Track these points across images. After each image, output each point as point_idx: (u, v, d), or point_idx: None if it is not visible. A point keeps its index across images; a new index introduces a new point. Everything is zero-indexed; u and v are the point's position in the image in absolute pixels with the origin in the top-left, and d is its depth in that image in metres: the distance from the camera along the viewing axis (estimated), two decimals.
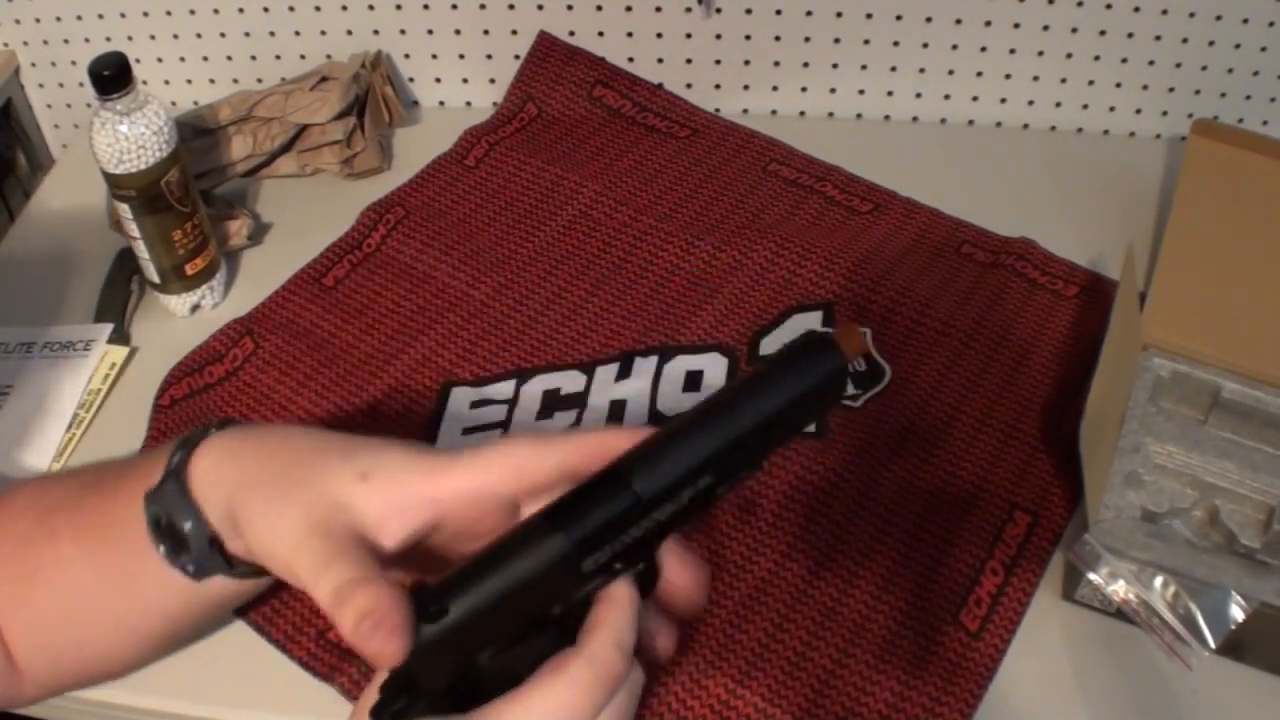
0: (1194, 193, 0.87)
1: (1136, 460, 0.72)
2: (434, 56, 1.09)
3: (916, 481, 0.76)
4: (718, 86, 1.08)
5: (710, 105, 1.09)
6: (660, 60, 1.07)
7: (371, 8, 1.06)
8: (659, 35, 1.05)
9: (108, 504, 0.51)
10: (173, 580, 0.48)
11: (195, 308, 0.92)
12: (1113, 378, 0.75)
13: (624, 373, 0.84)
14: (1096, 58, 1.01)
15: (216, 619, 0.52)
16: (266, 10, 1.06)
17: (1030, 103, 1.05)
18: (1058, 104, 1.05)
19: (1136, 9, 0.97)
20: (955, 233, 0.95)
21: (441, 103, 1.13)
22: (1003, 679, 0.67)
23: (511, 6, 1.05)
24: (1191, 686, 0.67)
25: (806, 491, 0.75)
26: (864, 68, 1.05)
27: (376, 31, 1.08)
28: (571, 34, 1.07)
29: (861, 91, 1.07)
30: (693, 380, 0.83)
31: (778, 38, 1.04)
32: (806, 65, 1.05)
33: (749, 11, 1.02)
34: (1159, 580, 0.66)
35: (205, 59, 1.11)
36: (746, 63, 1.06)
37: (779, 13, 1.02)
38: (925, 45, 1.02)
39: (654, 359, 0.84)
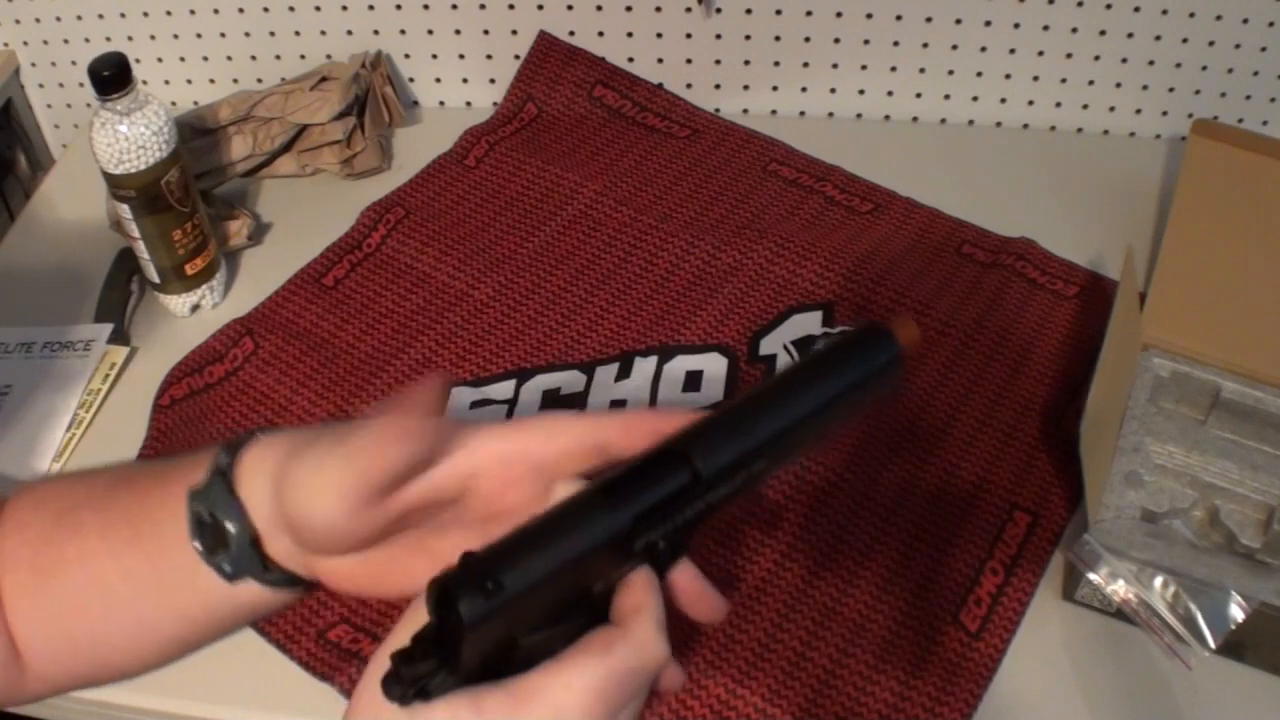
0: (1194, 193, 0.87)
1: (1136, 460, 0.72)
2: (434, 56, 1.09)
3: (916, 481, 0.76)
4: (718, 86, 1.08)
5: (710, 105, 1.09)
6: (660, 60, 1.07)
7: (371, 8, 1.06)
8: (659, 35, 1.05)
9: (140, 502, 0.51)
10: (201, 584, 0.48)
11: (195, 308, 0.92)
12: (1113, 378, 0.75)
13: (624, 373, 0.84)
14: (1096, 58, 1.01)
15: (235, 629, 0.52)
16: (266, 10, 1.06)
17: (1030, 103, 1.05)
18: (1058, 104, 1.05)
19: (1136, 9, 0.97)
20: (955, 233, 0.95)
21: (441, 103, 1.13)
22: (1003, 679, 0.67)
23: (511, 6, 1.05)
24: (1191, 686, 0.67)
25: (806, 491, 0.75)
26: (864, 68, 1.05)
27: (376, 31, 1.08)
28: (571, 34, 1.07)
29: (861, 91, 1.07)
30: (693, 380, 0.83)
31: (778, 38, 1.04)
32: (806, 65, 1.05)
33: (749, 11, 1.02)
34: (1159, 580, 0.66)
35: (205, 59, 1.11)
36: (746, 63, 1.06)
37: (779, 13, 1.02)
38: (925, 45, 1.02)
39: (654, 359, 0.84)
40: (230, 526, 0.47)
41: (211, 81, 1.12)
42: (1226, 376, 0.76)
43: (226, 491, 0.47)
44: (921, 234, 0.95)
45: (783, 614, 0.70)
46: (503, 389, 0.83)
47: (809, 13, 1.01)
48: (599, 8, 1.04)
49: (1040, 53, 1.02)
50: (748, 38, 1.04)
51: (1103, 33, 0.99)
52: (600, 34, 1.07)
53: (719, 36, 1.04)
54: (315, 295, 0.92)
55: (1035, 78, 1.03)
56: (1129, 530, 0.67)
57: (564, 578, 0.39)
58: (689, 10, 1.02)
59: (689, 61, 1.07)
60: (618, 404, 0.81)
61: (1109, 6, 0.98)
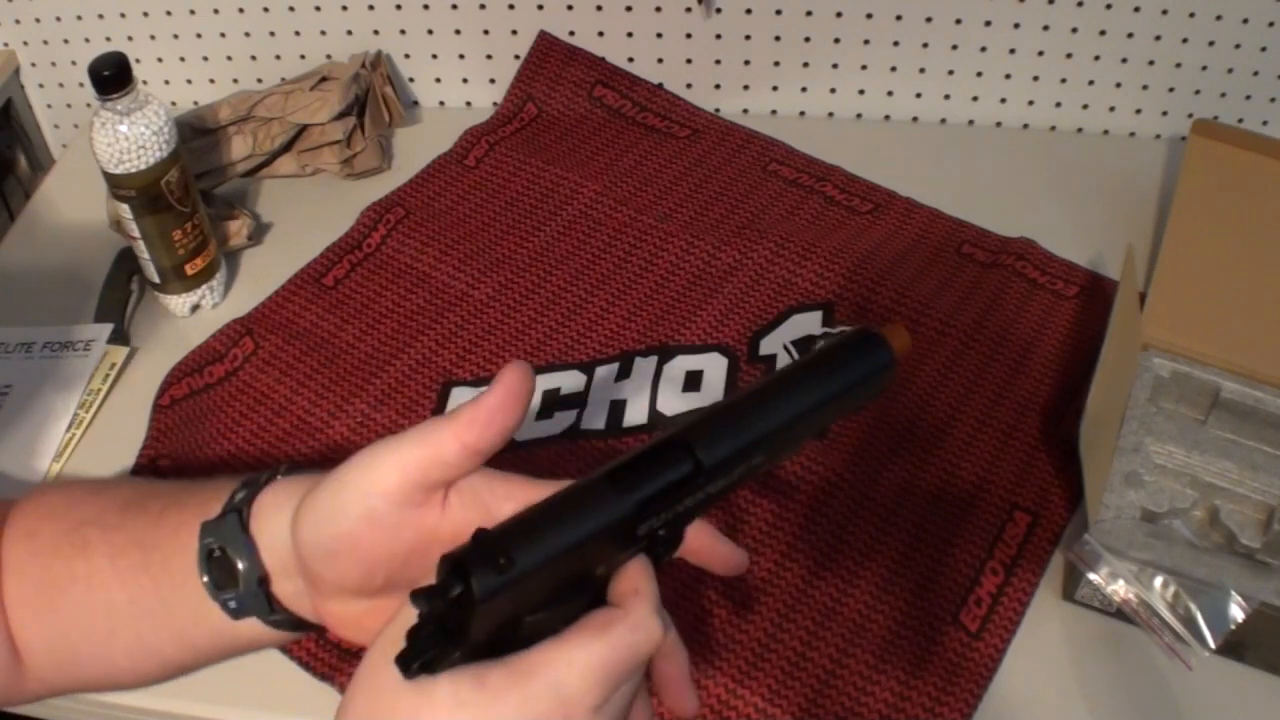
0: (1194, 193, 0.87)
1: (1136, 460, 0.72)
2: (434, 56, 1.09)
3: (916, 481, 0.76)
4: (718, 86, 1.08)
5: (710, 105, 1.09)
6: (660, 60, 1.07)
7: (371, 8, 1.06)
8: (659, 35, 1.05)
9: (150, 529, 0.50)
10: (207, 615, 0.48)
11: (195, 308, 0.92)
12: (1113, 378, 0.75)
13: (624, 373, 0.84)
14: (1096, 58, 1.01)
15: (236, 657, 0.52)
16: (266, 10, 1.06)
17: (1030, 103, 1.05)
18: (1058, 104, 1.05)
19: (1136, 9, 0.97)
20: (955, 233, 0.95)
21: (441, 103, 1.13)
22: (1003, 679, 0.67)
23: (511, 6, 1.05)
24: (1191, 686, 0.67)
25: (806, 491, 0.75)
26: (864, 68, 1.05)
27: (376, 31, 1.08)
28: (571, 34, 1.07)
29: (861, 91, 1.07)
30: (693, 380, 0.83)
31: (778, 38, 1.04)
32: (806, 65, 1.05)
33: (749, 11, 1.02)
34: (1159, 580, 0.66)
35: (205, 59, 1.11)
36: (746, 63, 1.06)
37: (779, 13, 1.02)
38: (925, 45, 1.02)
39: (654, 359, 0.84)
40: (240, 564, 0.47)
41: (211, 81, 1.12)
42: (1226, 376, 0.76)
43: (240, 528, 0.47)
44: (921, 234, 0.95)
45: (783, 614, 0.70)
46: None
47: (809, 13, 1.01)
48: (599, 8, 1.04)
49: (1040, 53, 1.02)
50: (748, 38, 1.04)
51: (1103, 33, 0.99)
52: (600, 34, 1.07)
53: (719, 36, 1.04)
54: (315, 295, 0.92)
55: (1035, 78, 1.03)
56: (1129, 530, 0.67)
57: (571, 558, 0.40)
58: (689, 10, 1.02)
59: (689, 61, 1.07)
60: (618, 404, 0.81)
61: (1109, 6, 0.98)
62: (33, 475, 0.81)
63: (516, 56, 1.08)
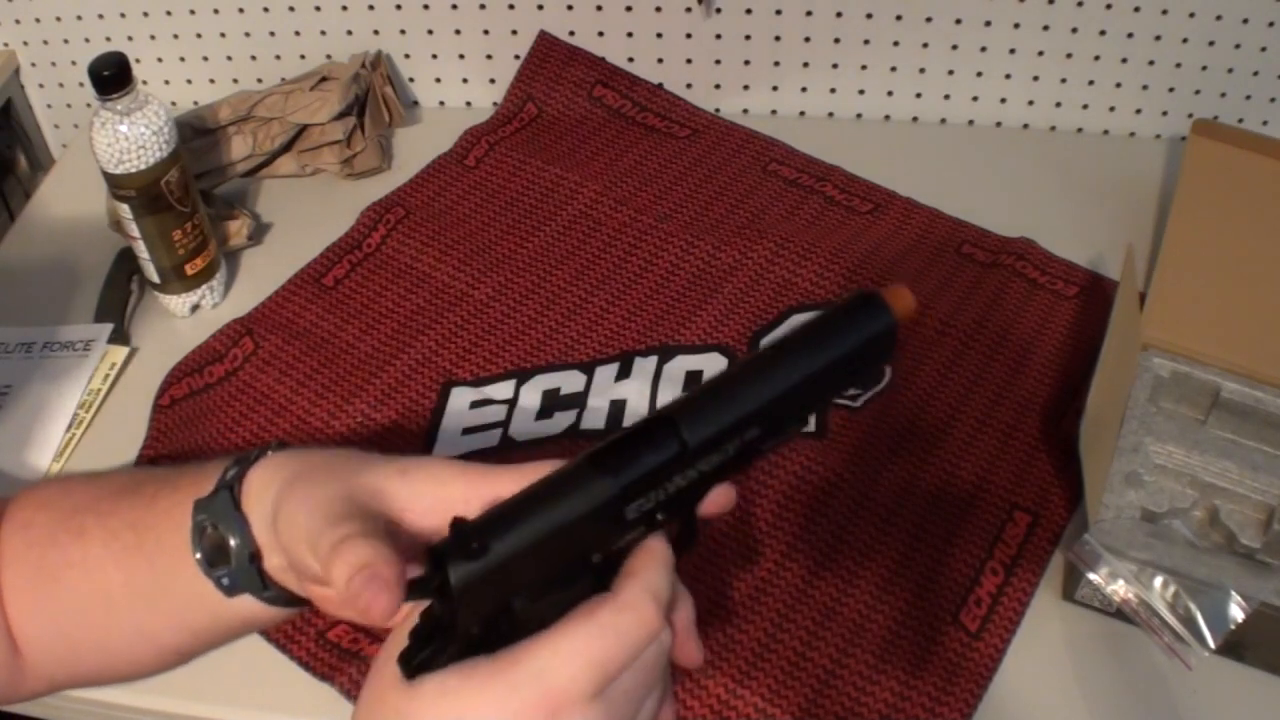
0: (1194, 193, 0.87)
1: (1136, 460, 0.72)
2: (434, 56, 1.09)
3: (916, 481, 0.76)
4: (718, 86, 1.08)
5: (710, 105, 1.09)
6: (660, 60, 1.07)
7: (371, 8, 1.06)
8: (659, 35, 1.05)
9: (144, 511, 0.51)
10: (202, 595, 0.48)
11: (195, 308, 0.92)
12: (1113, 378, 0.75)
13: (624, 373, 0.84)
14: (1096, 58, 1.01)
15: (234, 639, 0.52)
16: (266, 10, 1.06)
17: (1030, 103, 1.05)
18: (1058, 104, 1.05)
19: (1136, 9, 0.97)
20: (955, 233, 0.95)
21: (441, 103, 1.13)
22: (1003, 679, 0.67)
23: (511, 6, 1.05)
24: (1191, 686, 0.67)
25: (806, 491, 0.75)
26: (864, 68, 1.05)
27: (376, 31, 1.08)
28: (571, 34, 1.07)
29: (861, 91, 1.07)
30: (693, 380, 0.83)
31: (778, 38, 1.04)
32: (806, 65, 1.05)
33: (749, 11, 1.02)
34: (1159, 580, 0.66)
35: (205, 59, 1.11)
36: (746, 63, 1.06)
37: (779, 13, 1.02)
38: (925, 45, 1.02)
39: (654, 359, 0.84)
40: (232, 541, 0.47)
41: (211, 81, 1.12)
42: (1226, 376, 0.76)
43: (231, 505, 0.47)
44: (921, 234, 0.95)
45: (783, 614, 0.70)
46: (503, 389, 0.83)
47: (809, 13, 1.01)
48: (599, 8, 1.04)
49: (1040, 53, 1.02)
50: (748, 38, 1.04)
51: (1103, 33, 0.99)
52: (600, 34, 1.07)
53: (719, 36, 1.04)
54: (315, 295, 0.92)
55: (1035, 78, 1.03)
56: (1129, 530, 0.67)
57: (554, 544, 0.39)
58: (689, 10, 1.02)
59: (689, 61, 1.07)
60: (618, 404, 0.81)
61: (1109, 6, 0.98)
62: (33, 475, 0.81)
63: (516, 56, 1.08)
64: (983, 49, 1.02)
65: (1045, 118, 1.06)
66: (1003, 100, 1.05)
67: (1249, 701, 0.66)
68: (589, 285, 0.91)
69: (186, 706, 0.68)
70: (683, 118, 1.07)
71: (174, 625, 0.51)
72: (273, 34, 1.08)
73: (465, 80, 1.11)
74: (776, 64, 1.06)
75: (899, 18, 1.01)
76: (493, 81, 1.10)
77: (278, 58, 1.10)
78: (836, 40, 1.03)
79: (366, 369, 0.85)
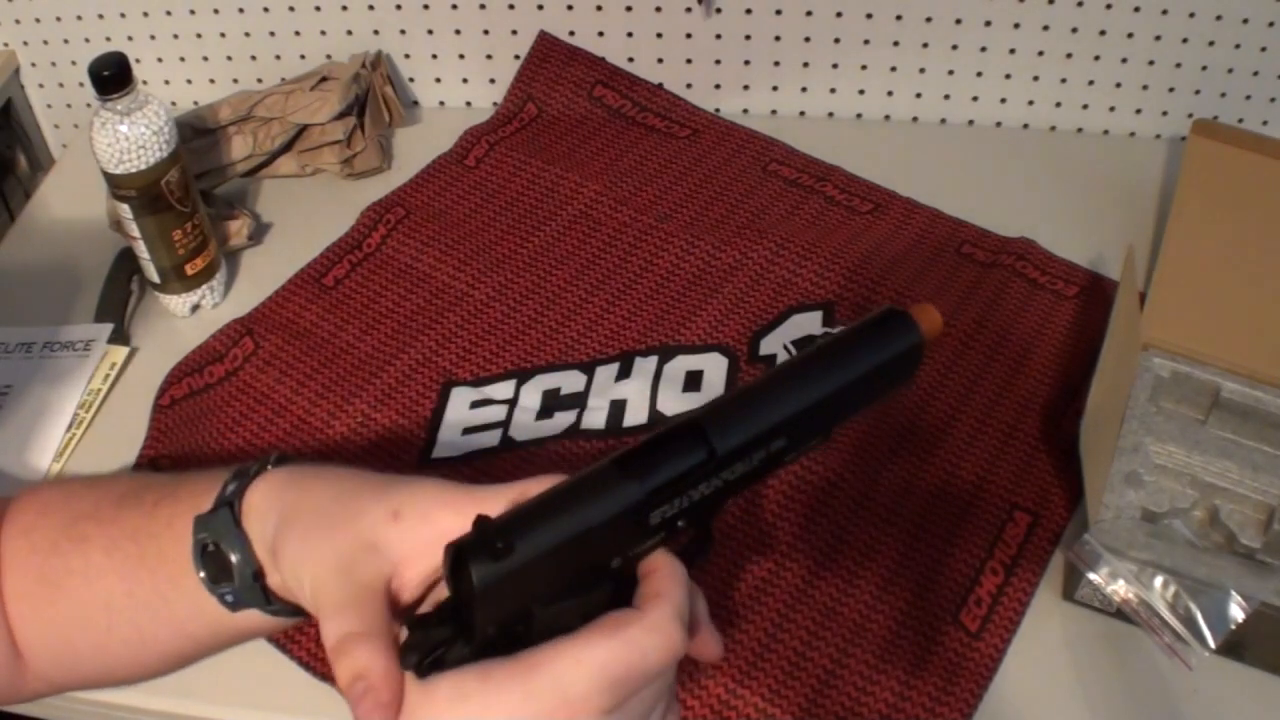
0: (1194, 193, 0.87)
1: (1136, 460, 0.72)
2: (434, 56, 1.09)
3: (916, 481, 0.76)
4: (718, 86, 1.08)
5: (710, 105, 1.09)
6: (660, 60, 1.07)
7: (371, 8, 1.06)
8: (659, 35, 1.05)
9: (145, 521, 0.51)
10: (206, 607, 0.48)
11: (195, 308, 0.92)
12: (1113, 378, 0.75)
13: (624, 373, 0.84)
14: (1096, 58, 1.01)
15: (237, 644, 0.52)
16: (266, 10, 1.06)
17: (1030, 103, 1.05)
18: (1058, 104, 1.05)
19: (1136, 9, 0.97)
20: (955, 233, 0.95)
21: (441, 103, 1.13)
22: (1003, 679, 0.67)
23: (511, 6, 1.05)
24: (1191, 686, 0.67)
25: (806, 491, 0.75)
26: (864, 68, 1.05)
27: (376, 31, 1.08)
28: (571, 34, 1.07)
29: (861, 91, 1.07)
30: (693, 380, 0.83)
31: (778, 38, 1.04)
32: (806, 65, 1.05)
33: (749, 11, 1.02)
34: (1159, 580, 0.66)
35: (205, 59, 1.11)
36: (746, 63, 1.06)
37: (779, 13, 1.02)
38: (925, 45, 1.02)
39: (654, 359, 0.84)
40: (234, 558, 0.47)
41: (211, 81, 1.12)
42: (1226, 376, 0.76)
43: (232, 522, 0.47)
44: (921, 234, 0.95)
45: (783, 614, 0.70)
46: (503, 389, 0.83)
47: (809, 13, 1.01)
48: (599, 8, 1.04)
49: (1040, 53, 1.02)
50: (748, 38, 1.04)
51: (1103, 33, 0.99)
52: (600, 34, 1.07)
53: (719, 36, 1.04)
54: (315, 295, 0.92)
55: (1035, 78, 1.03)
56: (1129, 530, 0.67)
57: (577, 547, 0.39)
58: (689, 10, 1.02)
59: (689, 61, 1.07)
60: (618, 404, 0.81)
61: (1109, 6, 0.98)
62: (33, 475, 0.81)
63: (516, 56, 1.08)
64: (983, 49, 1.02)
65: (1045, 118, 1.06)
66: (1003, 100, 1.05)
67: (1249, 701, 0.66)
68: (589, 285, 0.91)
69: (186, 706, 0.68)
70: (683, 118, 1.07)
71: (176, 633, 0.51)
72: (273, 34, 1.08)
73: (465, 80, 1.11)
74: (776, 64, 1.06)
75: (899, 18, 1.01)
76: (493, 81, 1.10)
77: (278, 58, 1.10)
78: (836, 40, 1.03)
79: (367, 369, 0.85)
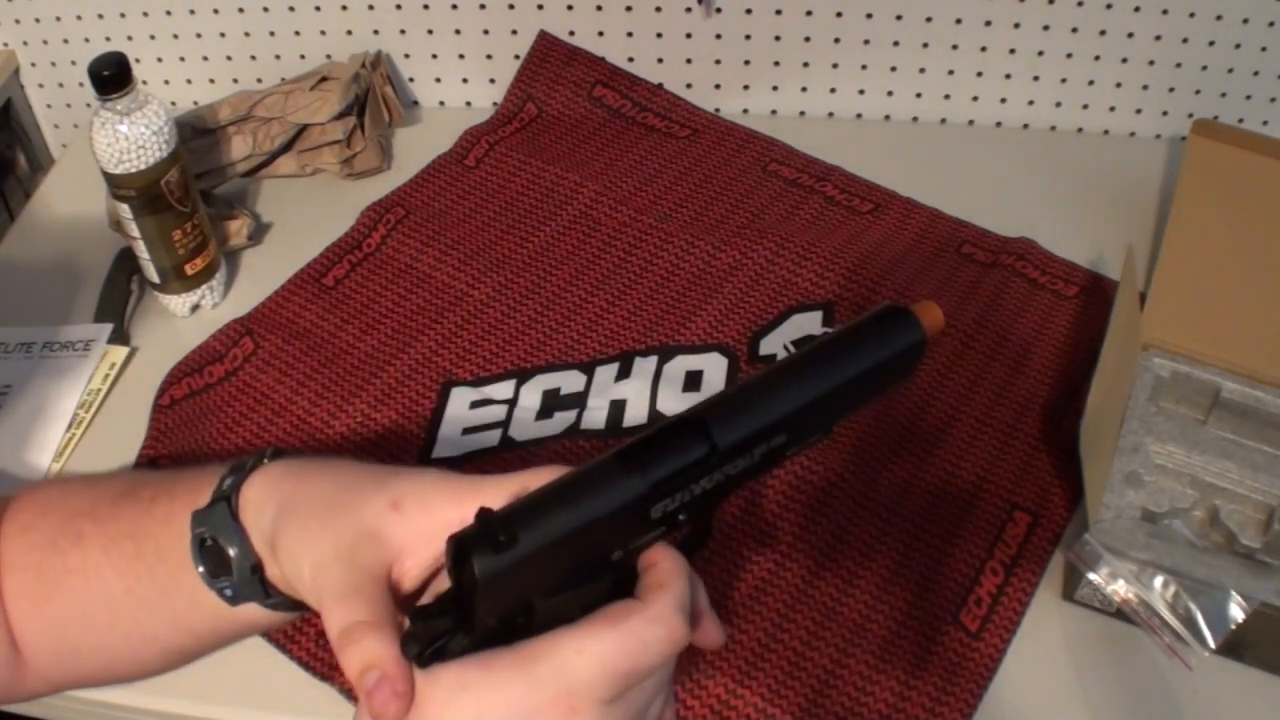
0: (1194, 193, 0.87)
1: (1136, 460, 0.72)
2: (434, 56, 1.09)
3: (916, 481, 0.76)
4: (718, 86, 1.08)
5: (710, 105, 1.09)
6: (660, 60, 1.07)
7: (371, 8, 1.06)
8: (659, 35, 1.05)
9: (141, 518, 0.51)
10: (206, 602, 0.49)
11: (195, 308, 0.92)
12: (1113, 378, 0.75)
13: (624, 373, 0.84)
14: (1096, 58, 1.01)
15: (238, 640, 0.52)
16: (266, 10, 1.06)
17: (1030, 103, 1.05)
18: (1058, 104, 1.05)
19: (1136, 9, 0.97)
20: (955, 233, 0.95)
21: (441, 103, 1.13)
22: (1003, 679, 0.67)
23: (511, 6, 1.05)
24: (1191, 686, 0.67)
25: (806, 491, 0.75)
26: (864, 68, 1.05)
27: (376, 31, 1.08)
28: (571, 34, 1.07)
29: (861, 91, 1.07)
30: (693, 380, 0.83)
31: (778, 38, 1.04)
32: (806, 65, 1.05)
33: (749, 11, 1.02)
34: (1159, 580, 0.66)
35: (205, 59, 1.11)
36: (746, 63, 1.06)
37: (779, 13, 1.02)
38: (925, 45, 1.02)
39: (654, 359, 0.84)
40: (232, 552, 0.47)
41: (211, 81, 1.12)
42: (1226, 376, 0.76)
43: (229, 517, 0.47)
44: (921, 234, 0.95)
45: (783, 614, 0.70)
46: (503, 389, 0.83)
47: (809, 13, 1.01)
48: (599, 8, 1.04)
49: (1040, 53, 1.02)
50: (748, 38, 1.04)
51: (1103, 33, 0.99)
52: (600, 34, 1.07)
53: (719, 36, 1.04)
54: (315, 295, 0.92)
55: (1035, 78, 1.03)
56: (1129, 530, 0.67)
57: (579, 539, 0.39)
58: (689, 10, 1.02)
59: (689, 61, 1.07)
60: (618, 404, 0.81)
61: (1109, 6, 0.98)
62: (33, 475, 0.81)
63: (516, 56, 1.08)
64: (983, 49, 1.02)
65: (1045, 118, 1.06)
66: (1003, 100, 1.05)
67: (1249, 701, 0.66)
68: (589, 285, 0.91)
69: (186, 706, 0.68)
70: (683, 118, 1.07)
71: (176, 628, 0.51)
72: (273, 34, 1.08)
73: (465, 80, 1.11)
74: (776, 64, 1.06)
75: (899, 18, 1.01)
76: (493, 81, 1.10)
77: (278, 58, 1.10)
78: (836, 40, 1.03)
79: (366, 369, 0.85)
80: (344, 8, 1.06)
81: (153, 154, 0.82)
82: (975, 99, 1.06)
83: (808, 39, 1.03)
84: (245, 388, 0.85)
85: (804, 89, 1.07)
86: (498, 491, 0.44)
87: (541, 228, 0.96)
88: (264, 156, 1.01)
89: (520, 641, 0.39)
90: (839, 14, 1.01)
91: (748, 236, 0.93)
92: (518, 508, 0.39)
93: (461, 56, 1.09)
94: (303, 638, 0.70)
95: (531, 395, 0.83)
